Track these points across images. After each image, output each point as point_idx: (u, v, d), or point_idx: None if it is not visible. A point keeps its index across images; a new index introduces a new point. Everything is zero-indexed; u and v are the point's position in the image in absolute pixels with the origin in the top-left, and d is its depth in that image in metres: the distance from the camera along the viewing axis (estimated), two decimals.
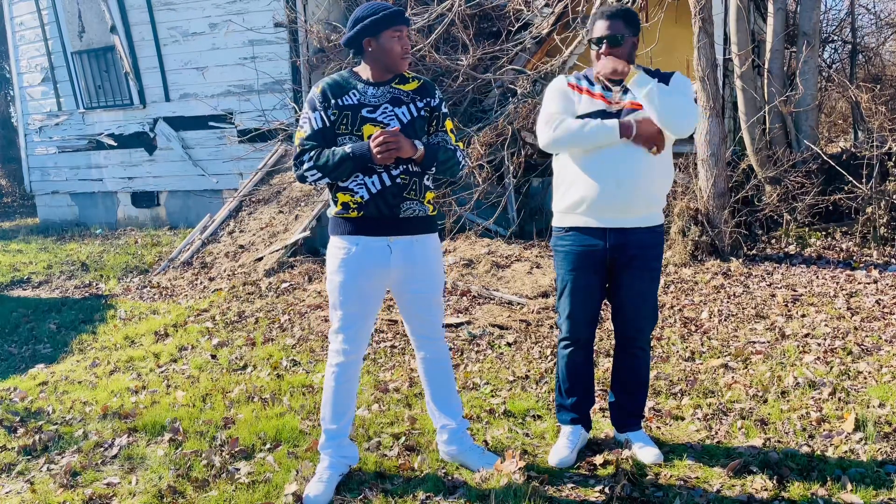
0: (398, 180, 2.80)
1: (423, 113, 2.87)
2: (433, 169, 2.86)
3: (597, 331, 4.59)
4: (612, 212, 2.92)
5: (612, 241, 2.94)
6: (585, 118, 2.91)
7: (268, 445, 3.31)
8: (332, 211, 2.88)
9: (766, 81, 7.22)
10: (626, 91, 2.93)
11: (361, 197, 2.79)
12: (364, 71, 2.87)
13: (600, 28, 2.92)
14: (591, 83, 3.00)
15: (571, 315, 3.05)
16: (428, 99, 2.90)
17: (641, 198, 2.92)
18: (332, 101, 2.80)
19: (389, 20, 2.75)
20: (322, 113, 2.81)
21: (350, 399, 2.95)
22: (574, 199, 2.96)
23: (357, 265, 2.81)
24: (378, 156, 2.68)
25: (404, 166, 2.80)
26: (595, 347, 4.37)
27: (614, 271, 3.01)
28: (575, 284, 3.02)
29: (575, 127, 2.89)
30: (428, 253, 2.91)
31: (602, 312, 4.46)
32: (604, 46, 2.90)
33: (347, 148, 2.74)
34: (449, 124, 2.97)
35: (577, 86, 3.01)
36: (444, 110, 2.96)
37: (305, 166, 2.80)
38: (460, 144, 2.99)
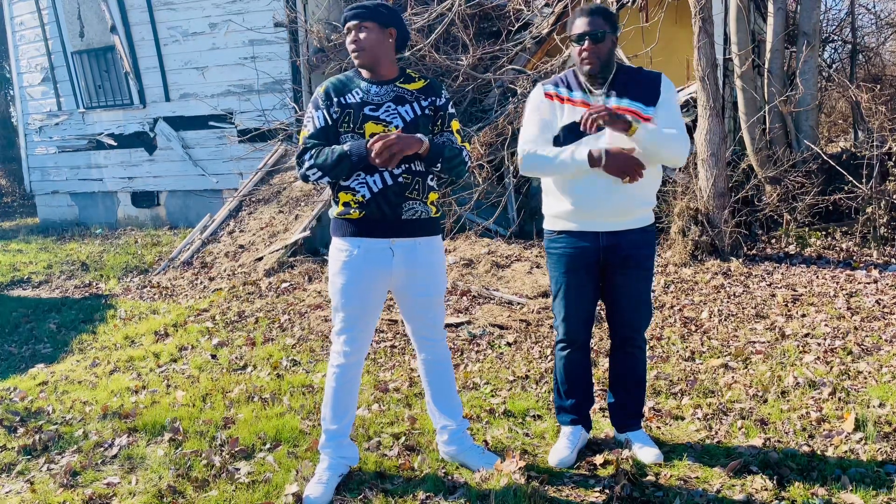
0: (400, 179, 2.78)
1: (427, 112, 2.86)
2: (438, 166, 2.83)
3: (596, 331, 4.61)
4: (603, 216, 2.92)
5: (605, 243, 2.95)
6: (563, 143, 2.91)
7: (268, 445, 3.31)
8: (334, 212, 2.87)
9: (766, 81, 7.22)
10: (608, 95, 2.92)
11: (363, 196, 2.78)
12: (364, 70, 2.88)
13: (581, 25, 2.91)
14: (570, 88, 2.98)
15: (567, 317, 3.06)
16: (433, 98, 2.89)
17: (633, 202, 2.93)
18: (335, 100, 2.80)
19: (344, 22, 2.84)
20: (325, 111, 2.81)
21: (351, 400, 2.94)
22: (565, 205, 2.96)
23: (359, 267, 2.80)
24: (377, 160, 2.66)
25: (406, 165, 2.79)
26: (595, 348, 4.38)
27: (608, 272, 3.01)
28: (569, 286, 3.02)
29: (545, 162, 2.92)
30: (430, 255, 2.90)
31: (600, 312, 4.47)
32: (586, 42, 2.89)
33: (346, 146, 2.73)
34: (455, 125, 2.95)
35: (556, 95, 2.99)
36: (451, 111, 2.94)
37: (306, 165, 2.79)
38: (466, 145, 2.98)
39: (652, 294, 5.53)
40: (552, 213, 3.04)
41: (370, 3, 2.84)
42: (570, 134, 2.92)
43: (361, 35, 2.79)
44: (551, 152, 2.91)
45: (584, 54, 2.90)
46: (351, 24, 2.81)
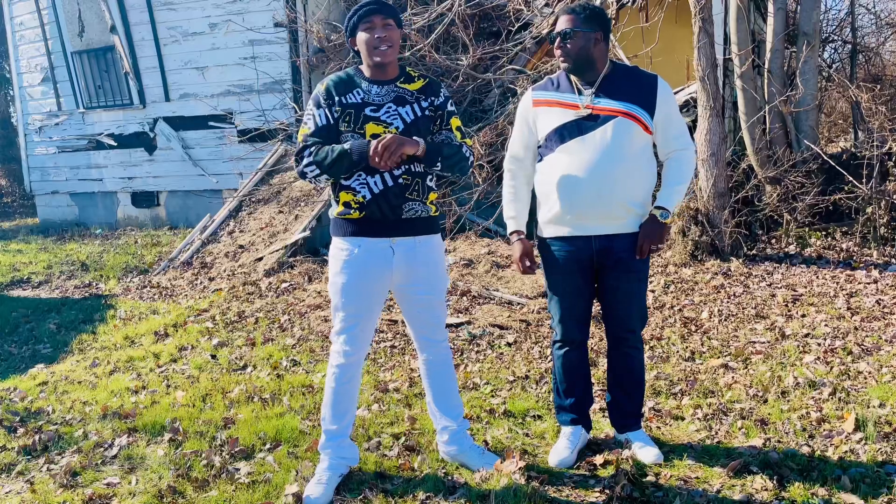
0: (400, 180, 2.78)
1: (427, 112, 2.86)
2: (439, 165, 2.83)
3: (596, 330, 4.61)
4: (594, 220, 2.93)
5: (597, 246, 2.95)
6: (548, 146, 2.99)
7: (268, 445, 3.31)
8: (334, 211, 2.87)
9: (766, 81, 7.21)
10: (598, 95, 2.92)
11: (363, 197, 2.78)
12: (365, 69, 2.87)
13: (557, 23, 2.97)
14: (559, 88, 3.00)
15: (563, 319, 3.07)
16: (433, 98, 2.89)
17: (622, 206, 2.93)
18: (337, 99, 2.80)
19: (360, 16, 2.79)
20: (326, 110, 2.80)
21: (351, 400, 2.94)
22: (556, 211, 2.97)
23: (360, 267, 2.80)
24: (380, 163, 2.66)
25: (406, 166, 2.79)
26: (595, 348, 4.38)
27: (601, 274, 3.01)
28: (563, 288, 3.03)
29: (503, 191, 3.17)
30: (431, 254, 2.90)
31: (599, 311, 4.46)
32: (557, 41, 2.95)
33: (347, 144, 2.73)
34: (455, 122, 2.95)
35: (544, 101, 3.01)
36: (450, 108, 2.94)
37: (305, 161, 2.78)
38: (467, 141, 2.97)
39: (651, 294, 5.54)
40: (544, 220, 3.04)
41: (388, 1, 2.84)
42: (549, 141, 2.98)
43: (390, 32, 2.78)
44: (509, 190, 3.14)
45: (557, 52, 2.96)
46: (377, 18, 2.77)
